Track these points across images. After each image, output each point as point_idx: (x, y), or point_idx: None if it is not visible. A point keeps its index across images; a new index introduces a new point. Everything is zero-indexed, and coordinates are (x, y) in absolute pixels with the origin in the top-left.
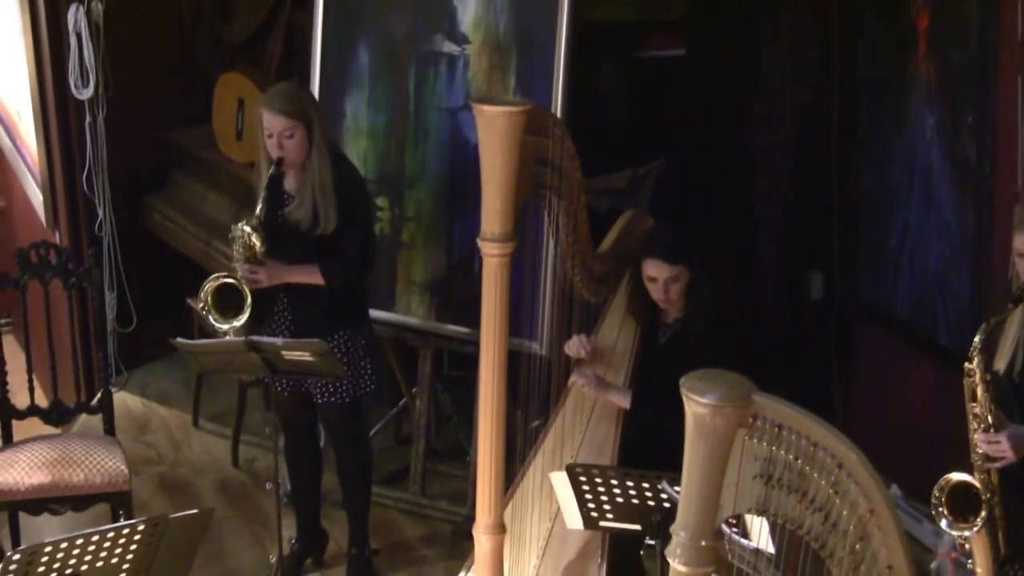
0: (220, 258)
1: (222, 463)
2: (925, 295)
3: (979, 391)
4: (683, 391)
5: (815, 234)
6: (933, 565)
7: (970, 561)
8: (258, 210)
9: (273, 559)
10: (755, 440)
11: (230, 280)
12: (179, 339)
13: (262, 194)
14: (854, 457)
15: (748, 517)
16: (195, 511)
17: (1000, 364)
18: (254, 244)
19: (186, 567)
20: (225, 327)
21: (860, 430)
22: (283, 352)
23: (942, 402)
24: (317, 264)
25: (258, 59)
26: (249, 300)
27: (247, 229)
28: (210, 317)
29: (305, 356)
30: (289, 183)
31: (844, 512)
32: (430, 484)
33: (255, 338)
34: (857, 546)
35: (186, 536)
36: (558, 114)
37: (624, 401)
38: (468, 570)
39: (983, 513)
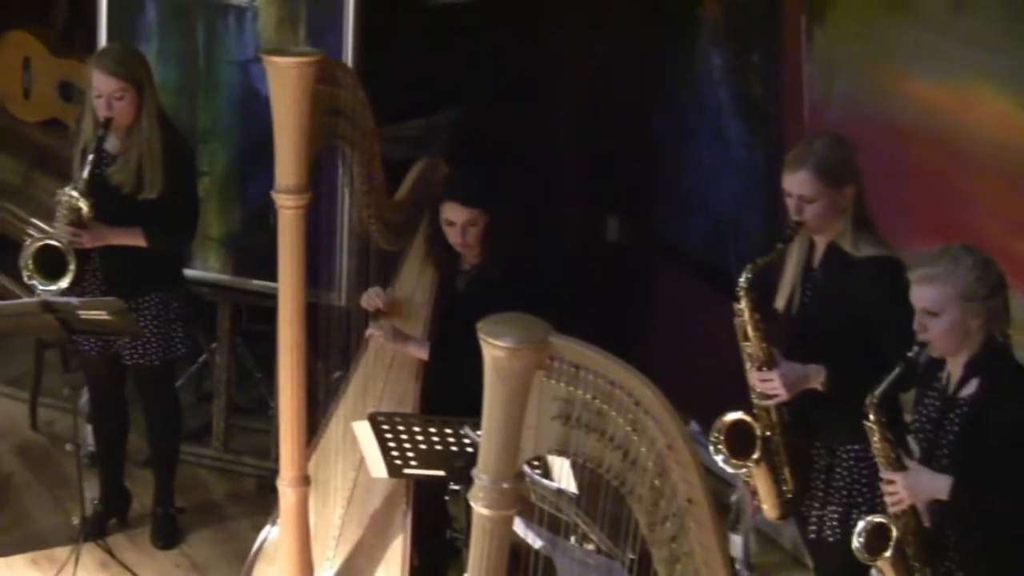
0: (10, 218)
1: (20, 427)
2: (718, 233)
3: (749, 330)
4: (480, 335)
5: (612, 175)
6: (733, 498)
7: (756, 497)
8: (85, 172)
9: (76, 521)
10: (553, 381)
11: (52, 242)
12: None
13: (90, 156)
14: (650, 394)
15: (550, 458)
16: None
17: (780, 302)
18: (80, 208)
19: None
20: (51, 288)
21: (659, 368)
22: (79, 312)
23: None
24: (141, 228)
25: (44, 16)
26: (72, 263)
27: (74, 194)
28: (35, 281)
29: (102, 315)
30: (111, 144)
31: (643, 449)
32: (233, 440)
33: (50, 298)
34: (656, 482)
35: None
36: (349, 63)
37: (422, 352)
38: (274, 523)
39: (758, 450)
